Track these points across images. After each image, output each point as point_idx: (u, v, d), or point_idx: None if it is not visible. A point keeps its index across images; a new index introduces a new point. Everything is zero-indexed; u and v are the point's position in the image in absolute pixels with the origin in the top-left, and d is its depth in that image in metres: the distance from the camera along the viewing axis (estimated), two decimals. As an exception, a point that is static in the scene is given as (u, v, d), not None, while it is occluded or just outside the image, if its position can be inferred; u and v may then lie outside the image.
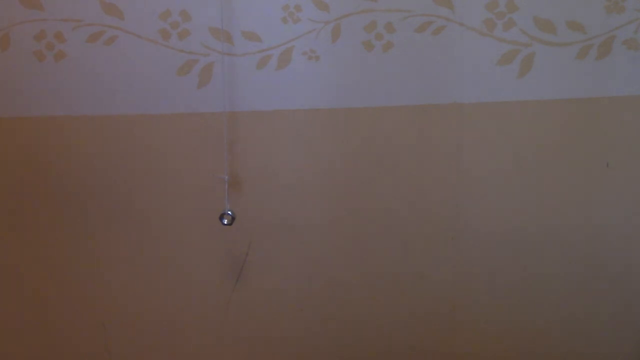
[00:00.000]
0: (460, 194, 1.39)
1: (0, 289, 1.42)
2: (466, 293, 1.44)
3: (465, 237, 1.41)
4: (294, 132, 1.36)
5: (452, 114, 1.36)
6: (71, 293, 1.42)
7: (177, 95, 1.33)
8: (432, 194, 1.39)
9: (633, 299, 1.44)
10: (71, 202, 1.38)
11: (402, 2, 1.29)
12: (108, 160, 1.36)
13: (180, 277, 1.42)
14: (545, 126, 1.37)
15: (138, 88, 1.33)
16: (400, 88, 1.34)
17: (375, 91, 1.34)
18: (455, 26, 1.31)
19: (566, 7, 1.30)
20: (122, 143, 1.36)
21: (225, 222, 1.32)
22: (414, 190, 1.39)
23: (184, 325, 1.45)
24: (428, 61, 1.33)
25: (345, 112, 1.35)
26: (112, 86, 1.32)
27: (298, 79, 1.33)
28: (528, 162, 1.38)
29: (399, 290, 1.44)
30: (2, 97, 1.32)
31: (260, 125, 1.35)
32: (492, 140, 1.37)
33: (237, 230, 1.38)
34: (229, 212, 1.33)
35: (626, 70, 1.33)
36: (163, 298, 1.43)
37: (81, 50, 1.30)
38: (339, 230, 1.41)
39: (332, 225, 1.40)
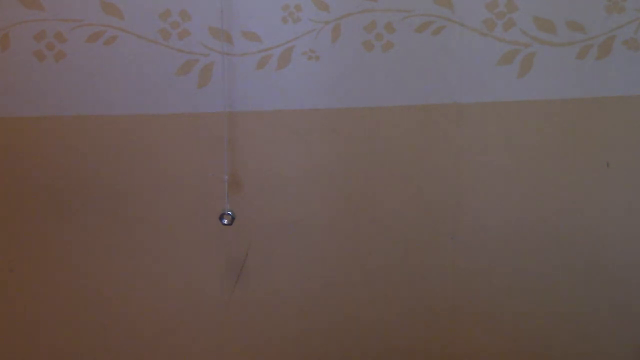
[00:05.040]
0: (460, 194, 1.39)
1: (0, 288, 1.42)
2: (466, 293, 1.44)
3: (465, 236, 1.41)
4: (294, 132, 1.36)
5: (452, 114, 1.36)
6: (71, 293, 1.42)
7: (177, 95, 1.33)
8: (432, 194, 1.39)
9: (633, 298, 1.44)
10: (71, 202, 1.37)
11: (402, 2, 1.29)
12: (108, 160, 1.36)
13: (180, 277, 1.42)
14: (545, 126, 1.37)
15: (138, 88, 1.33)
16: (400, 88, 1.34)
17: (375, 91, 1.34)
18: (455, 26, 1.31)
19: (566, 7, 1.30)
20: (122, 143, 1.35)
21: (225, 222, 1.32)
22: (413, 190, 1.39)
23: (184, 325, 1.45)
24: (428, 61, 1.33)
25: (345, 112, 1.35)
26: (112, 86, 1.32)
27: (298, 79, 1.33)
28: (528, 162, 1.38)
29: (398, 290, 1.44)
30: (2, 97, 1.32)
31: (260, 125, 1.35)
32: (492, 140, 1.37)
33: (237, 230, 1.38)
34: (229, 212, 1.33)
35: (626, 70, 1.33)
36: (163, 298, 1.43)
37: (81, 50, 1.30)
38: (339, 230, 1.41)
39: (332, 225, 1.40)
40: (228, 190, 1.33)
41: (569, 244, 1.41)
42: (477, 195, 1.39)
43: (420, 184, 1.39)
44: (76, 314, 1.43)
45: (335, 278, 1.43)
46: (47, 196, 1.37)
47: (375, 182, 1.39)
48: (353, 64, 1.32)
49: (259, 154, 1.37)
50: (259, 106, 1.34)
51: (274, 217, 1.40)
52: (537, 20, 1.31)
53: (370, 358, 1.47)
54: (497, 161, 1.38)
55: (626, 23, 1.31)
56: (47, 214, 1.38)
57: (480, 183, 1.39)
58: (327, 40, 1.31)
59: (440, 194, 1.39)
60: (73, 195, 1.37)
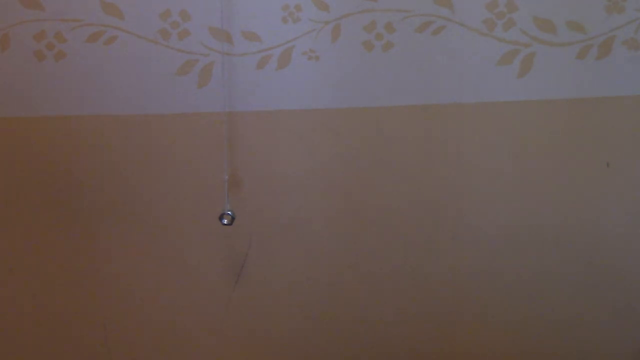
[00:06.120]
0: (460, 194, 1.39)
1: (0, 288, 1.42)
2: (466, 293, 1.44)
3: (465, 237, 1.41)
4: (294, 132, 1.36)
5: (452, 114, 1.36)
6: (71, 293, 1.42)
7: (177, 95, 1.33)
8: (432, 194, 1.39)
9: (633, 298, 1.44)
10: (71, 202, 1.38)
11: (402, 2, 1.29)
12: (108, 160, 1.36)
13: (180, 277, 1.42)
14: (545, 126, 1.37)
15: (138, 88, 1.33)
16: (400, 88, 1.34)
17: (375, 91, 1.34)
18: (455, 26, 1.31)
19: (566, 7, 1.30)
20: (122, 143, 1.35)
21: (225, 222, 1.32)
22: (414, 190, 1.39)
23: (184, 325, 1.45)
24: (428, 61, 1.33)
25: (345, 112, 1.35)
26: (112, 86, 1.32)
27: (298, 79, 1.33)
28: (528, 162, 1.38)
29: (399, 290, 1.44)
30: (2, 97, 1.32)
31: (260, 125, 1.35)
32: (492, 140, 1.37)
33: (237, 230, 1.38)
34: (229, 212, 1.33)
35: (626, 70, 1.33)
36: (163, 298, 1.43)
37: (81, 50, 1.30)
38: (339, 230, 1.41)
39: (332, 225, 1.40)
40: (228, 190, 1.33)
41: (569, 244, 1.41)
42: (477, 195, 1.39)
43: (420, 184, 1.39)
44: (76, 313, 1.43)
45: (335, 278, 1.43)
46: (47, 196, 1.37)
47: (375, 182, 1.39)
48: (353, 64, 1.32)
49: (259, 154, 1.37)
50: (259, 106, 1.34)
51: (274, 217, 1.40)
52: (537, 20, 1.31)
53: (370, 358, 1.47)
54: (497, 161, 1.38)
55: (626, 23, 1.31)
56: (47, 214, 1.38)
57: (480, 183, 1.39)
58: (327, 40, 1.31)
59: (440, 193, 1.39)
60: (73, 196, 1.37)
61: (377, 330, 1.46)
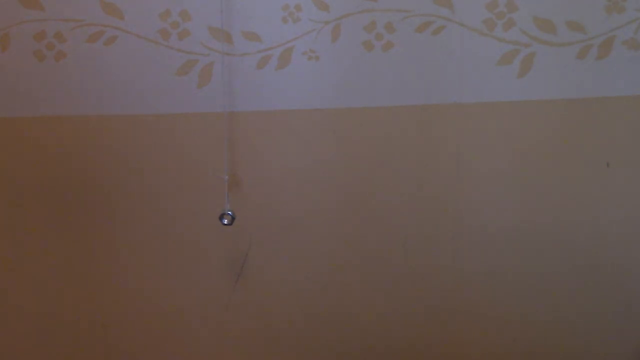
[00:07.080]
0: (460, 194, 1.39)
1: (0, 288, 1.42)
2: (466, 292, 1.44)
3: (465, 236, 1.41)
4: (294, 132, 1.36)
5: (452, 114, 1.36)
6: (71, 293, 1.42)
7: (177, 95, 1.33)
8: (432, 194, 1.39)
9: (633, 299, 1.44)
10: (71, 202, 1.37)
11: (402, 2, 1.29)
12: (108, 160, 1.36)
13: (180, 277, 1.42)
14: (545, 126, 1.37)
15: (138, 88, 1.33)
16: (400, 88, 1.34)
17: (375, 91, 1.34)
18: (455, 26, 1.31)
19: (566, 7, 1.30)
20: (122, 143, 1.35)
21: (225, 222, 1.32)
22: (413, 190, 1.39)
23: (184, 325, 1.45)
24: (428, 61, 1.33)
25: (345, 112, 1.35)
26: (112, 86, 1.32)
27: (298, 79, 1.33)
28: (528, 162, 1.38)
29: (399, 290, 1.44)
30: (2, 97, 1.32)
31: (260, 125, 1.35)
32: (492, 140, 1.37)
33: (237, 230, 1.38)
34: (229, 212, 1.33)
35: (626, 70, 1.33)
36: (163, 298, 1.43)
37: (81, 50, 1.30)
38: (339, 230, 1.41)
39: (332, 225, 1.40)
40: (228, 190, 1.33)
41: (569, 244, 1.41)
42: (477, 195, 1.39)
43: (420, 184, 1.39)
44: (76, 313, 1.43)
45: (335, 278, 1.43)
46: (47, 196, 1.37)
47: (375, 182, 1.39)
48: (353, 64, 1.32)
49: (259, 154, 1.37)
50: (259, 106, 1.34)
51: (274, 217, 1.40)
52: (537, 20, 1.31)
53: (371, 357, 1.47)
54: (497, 161, 1.38)
55: (626, 23, 1.31)
56: (47, 214, 1.38)
57: (480, 183, 1.39)
58: (327, 40, 1.31)
59: (440, 193, 1.39)
60: (73, 195, 1.37)
61: (377, 329, 1.46)
